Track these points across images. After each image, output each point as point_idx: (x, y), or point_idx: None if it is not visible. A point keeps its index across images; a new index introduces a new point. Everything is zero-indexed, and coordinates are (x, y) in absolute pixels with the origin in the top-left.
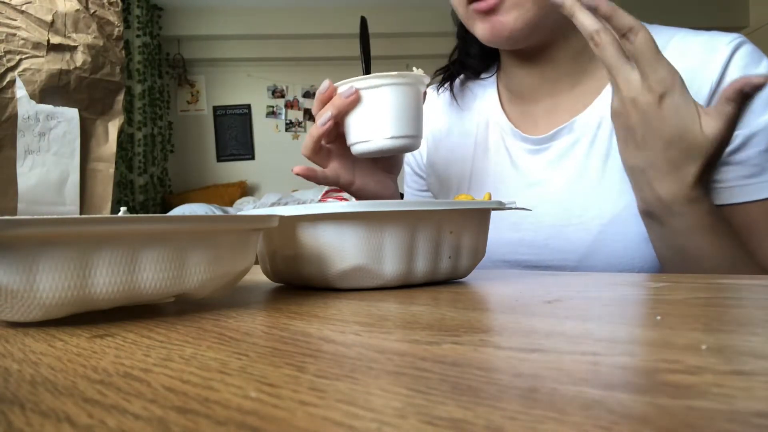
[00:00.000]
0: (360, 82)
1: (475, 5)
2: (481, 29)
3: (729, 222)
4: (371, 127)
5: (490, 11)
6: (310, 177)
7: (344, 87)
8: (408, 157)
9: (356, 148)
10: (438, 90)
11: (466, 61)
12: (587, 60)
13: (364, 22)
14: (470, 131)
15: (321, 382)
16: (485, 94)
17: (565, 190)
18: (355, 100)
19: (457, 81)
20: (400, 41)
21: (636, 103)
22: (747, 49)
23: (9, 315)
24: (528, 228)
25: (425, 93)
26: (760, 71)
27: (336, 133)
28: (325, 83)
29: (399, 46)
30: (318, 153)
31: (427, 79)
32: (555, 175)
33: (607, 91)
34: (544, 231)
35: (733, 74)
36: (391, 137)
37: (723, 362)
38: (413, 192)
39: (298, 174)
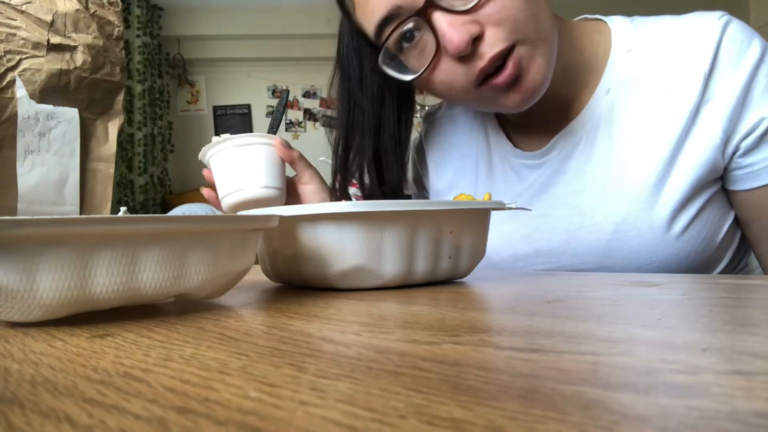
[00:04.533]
0: (211, 149)
1: (494, 81)
2: (510, 100)
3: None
4: (242, 178)
5: (511, 83)
6: None
7: (207, 153)
8: (415, 187)
9: (228, 200)
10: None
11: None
12: (578, 70)
13: (283, 96)
14: (470, 151)
15: (321, 382)
16: (481, 116)
17: (573, 194)
18: (212, 170)
19: (444, 112)
20: None
21: None
22: (736, 27)
23: (9, 315)
24: (542, 237)
25: (287, 150)
26: (752, 48)
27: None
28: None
29: None
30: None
31: (269, 139)
32: (561, 181)
33: (602, 87)
34: (559, 238)
35: (727, 56)
36: (238, 190)
37: (723, 362)
38: None
39: None
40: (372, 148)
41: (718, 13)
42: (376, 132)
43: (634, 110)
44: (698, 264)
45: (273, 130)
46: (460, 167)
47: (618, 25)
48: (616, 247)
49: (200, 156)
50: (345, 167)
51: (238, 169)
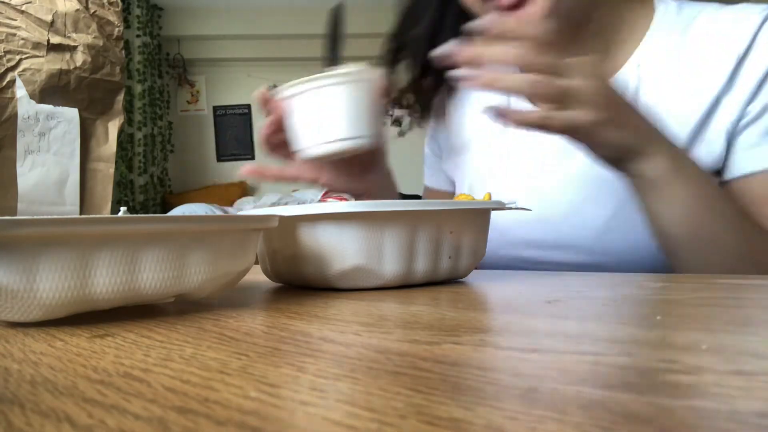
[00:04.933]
0: (298, 86)
1: (497, 1)
2: None
3: (739, 199)
4: (312, 131)
5: (514, 5)
6: (258, 177)
7: (283, 92)
8: (434, 156)
9: (319, 150)
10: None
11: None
12: (611, 32)
13: (338, 12)
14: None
15: (321, 382)
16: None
17: (586, 165)
18: (287, 106)
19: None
20: None
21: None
22: None
23: (9, 315)
24: (546, 206)
25: (386, 88)
26: None
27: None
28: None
29: None
30: (274, 150)
31: (372, 74)
32: (577, 152)
33: (633, 60)
34: (563, 207)
35: (764, 42)
36: (334, 140)
37: (723, 362)
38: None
39: (246, 175)
40: (430, 25)
41: (762, 6)
42: (440, 12)
43: (661, 88)
44: None
45: (334, 54)
46: (477, 126)
47: (665, 4)
48: (617, 225)
49: (273, 92)
50: (402, 32)
51: (340, 112)
